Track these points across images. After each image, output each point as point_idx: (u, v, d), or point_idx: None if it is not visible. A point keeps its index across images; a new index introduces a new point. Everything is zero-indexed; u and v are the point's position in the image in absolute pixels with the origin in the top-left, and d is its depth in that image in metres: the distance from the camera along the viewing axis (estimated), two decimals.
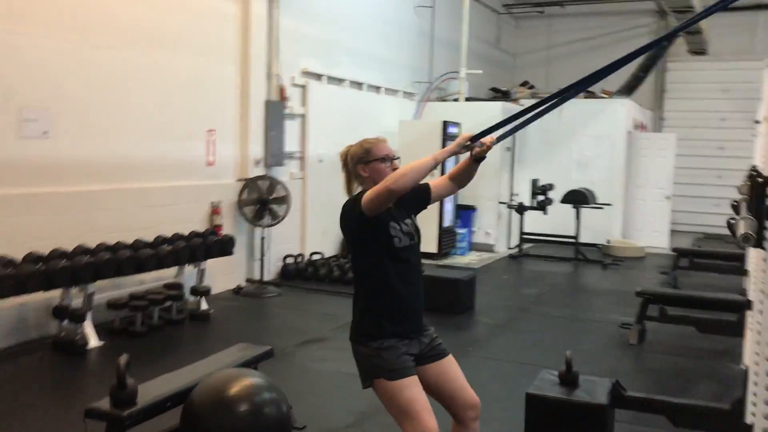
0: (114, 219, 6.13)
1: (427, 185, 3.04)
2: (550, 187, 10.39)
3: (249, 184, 7.52)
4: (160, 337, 5.79)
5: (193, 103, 7.02)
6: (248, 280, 7.79)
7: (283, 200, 7.52)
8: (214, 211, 7.21)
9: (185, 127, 6.95)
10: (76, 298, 5.52)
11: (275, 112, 7.98)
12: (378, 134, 10.37)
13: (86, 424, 3.07)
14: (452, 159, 3.12)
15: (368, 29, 10.09)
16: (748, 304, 5.37)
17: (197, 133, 7.12)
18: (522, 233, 10.68)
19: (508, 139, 11.02)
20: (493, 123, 2.84)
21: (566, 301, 7.98)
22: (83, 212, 5.90)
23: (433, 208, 9.91)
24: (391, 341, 2.75)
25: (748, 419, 3.45)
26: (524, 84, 13.66)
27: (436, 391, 2.86)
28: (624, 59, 2.70)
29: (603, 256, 10.60)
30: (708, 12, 2.59)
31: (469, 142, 2.72)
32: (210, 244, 6.63)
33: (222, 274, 7.33)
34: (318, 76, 8.92)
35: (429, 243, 9.96)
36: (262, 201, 7.46)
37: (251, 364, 3.94)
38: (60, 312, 5.40)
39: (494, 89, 13.34)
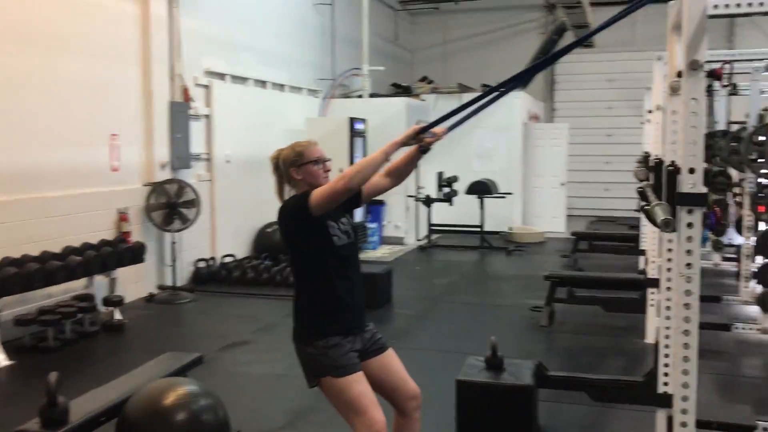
0: (17, 231, 5.83)
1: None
2: (454, 179, 10.68)
3: (156, 188, 7.33)
4: (74, 352, 5.58)
5: (95, 107, 6.77)
6: (160, 287, 7.60)
7: (193, 203, 7.39)
8: (122, 217, 6.99)
9: (87, 133, 6.70)
10: None
11: (180, 113, 7.81)
12: (284, 132, 10.38)
13: None
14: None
15: (269, 27, 10.02)
16: (648, 283, 5.78)
17: (100, 138, 6.87)
18: (430, 225, 10.93)
19: None
20: (434, 118, 2.93)
21: (477, 288, 8.26)
22: None
23: None
24: (335, 339, 2.80)
25: (660, 389, 3.74)
26: (423, 79, 13.92)
27: (379, 385, 2.93)
28: (549, 59, 2.86)
29: (506, 243, 11.02)
30: (607, 23, 2.78)
31: (418, 134, 2.75)
32: (121, 252, 6.44)
33: (132, 283, 7.11)
34: (221, 76, 8.79)
35: None
36: (170, 205, 7.30)
37: (181, 372, 3.89)
38: None
39: (395, 85, 13.55)
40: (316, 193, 2.69)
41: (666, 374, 3.74)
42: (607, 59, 15.04)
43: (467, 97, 12.33)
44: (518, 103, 12.21)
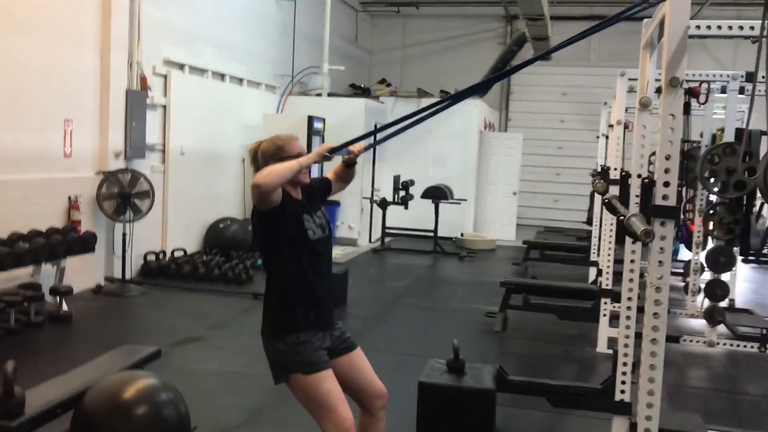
0: None
1: (328, 179, 3.12)
2: (411, 183, 10.73)
3: (109, 177, 7.13)
4: (18, 342, 5.38)
5: (49, 90, 6.55)
6: (107, 279, 7.40)
7: (146, 194, 7.22)
8: (73, 205, 6.78)
9: (40, 117, 6.48)
10: None
11: (136, 102, 7.62)
12: (241, 127, 10.26)
13: None
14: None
15: (231, 19, 9.88)
16: (602, 293, 5.91)
17: (53, 123, 6.65)
18: (384, 227, 10.94)
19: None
20: (357, 130, 2.97)
21: (431, 292, 8.31)
22: None
23: None
24: (306, 335, 2.78)
25: (617, 397, 3.82)
26: (382, 81, 13.95)
27: (346, 383, 2.91)
28: (503, 73, 2.89)
29: (458, 249, 11.12)
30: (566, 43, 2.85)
31: (328, 153, 2.82)
32: (71, 241, 6.24)
33: (78, 273, 6.89)
34: (180, 66, 8.62)
35: None
36: (123, 195, 7.11)
37: (139, 365, 3.79)
38: None
39: (353, 86, 13.51)
40: (252, 192, 2.70)
41: (623, 382, 3.83)
42: (563, 73, 15.34)
43: (426, 101, 12.50)
44: (475, 111, 12.34)
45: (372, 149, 11.50)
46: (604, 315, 5.88)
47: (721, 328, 5.74)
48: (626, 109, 5.74)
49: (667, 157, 2.68)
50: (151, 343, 5.27)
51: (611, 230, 5.92)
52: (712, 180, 5.11)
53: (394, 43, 16.21)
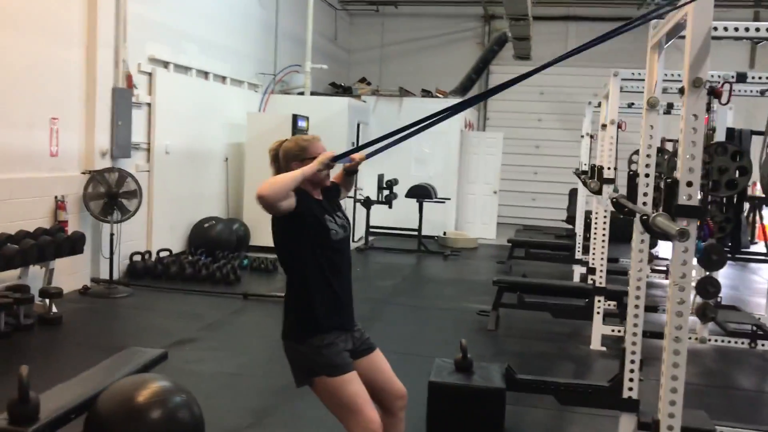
0: None
1: (337, 183, 3.12)
2: (395, 182, 10.73)
3: (96, 176, 7.01)
4: (9, 345, 5.27)
5: (35, 88, 6.41)
6: (93, 280, 7.27)
7: (134, 194, 7.12)
8: (59, 206, 6.65)
9: (26, 115, 6.34)
10: None
11: (123, 100, 7.50)
12: (224, 126, 10.16)
13: None
14: None
15: (214, 17, 9.78)
16: (595, 291, 5.97)
17: (39, 121, 6.51)
18: (368, 227, 10.93)
19: (353, 134, 11.23)
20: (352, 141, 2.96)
21: (420, 291, 8.32)
22: None
23: None
24: (330, 337, 2.76)
25: (625, 394, 3.87)
26: (363, 80, 13.92)
27: (366, 384, 2.90)
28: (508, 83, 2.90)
29: (441, 248, 11.15)
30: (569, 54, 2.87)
31: (331, 161, 2.83)
32: (60, 242, 6.12)
33: (64, 274, 6.76)
34: (165, 64, 8.50)
35: None
36: (110, 195, 7.00)
37: (146, 369, 3.73)
38: None
39: (333, 84, 13.47)
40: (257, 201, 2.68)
41: (631, 380, 3.88)
42: (540, 73, 15.43)
43: (408, 101, 12.47)
44: None
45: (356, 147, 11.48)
46: (598, 313, 5.95)
47: (710, 324, 5.84)
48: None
49: (691, 157, 2.72)
50: (146, 344, 5.22)
51: (604, 229, 5.98)
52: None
53: (373, 42, 16.19)
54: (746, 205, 6.73)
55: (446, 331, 6.34)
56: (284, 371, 4.99)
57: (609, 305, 6.22)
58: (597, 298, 5.92)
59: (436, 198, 10.93)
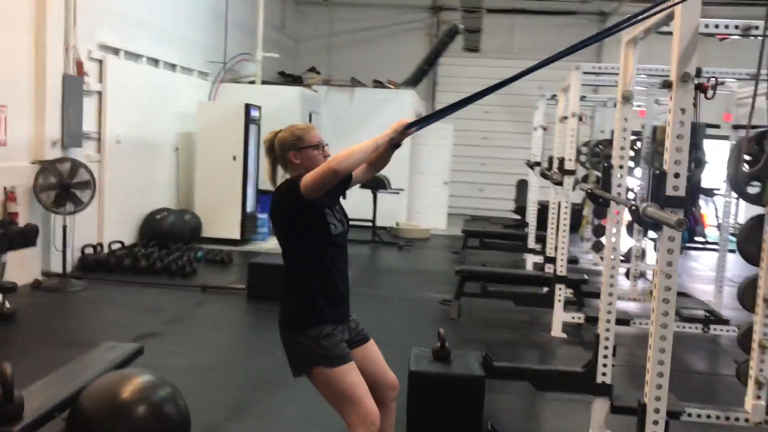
0: None
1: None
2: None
3: (47, 167, 6.77)
4: None
5: None
6: (45, 274, 7.03)
7: (87, 185, 6.91)
8: (9, 197, 6.40)
9: None
10: None
11: (73, 88, 7.25)
12: (175, 115, 9.95)
13: None
14: None
15: (163, 3, 9.54)
16: (557, 279, 6.12)
17: None
18: None
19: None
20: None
21: (379, 282, 8.35)
22: None
23: (236, 194, 9.75)
24: (328, 328, 2.76)
25: (599, 379, 3.99)
26: (312, 70, 13.82)
27: (361, 374, 2.91)
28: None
29: (395, 238, 11.21)
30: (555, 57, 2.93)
31: (405, 129, 2.74)
32: (13, 234, 5.90)
33: (14, 268, 6.49)
34: (115, 51, 8.26)
35: (232, 228, 9.77)
36: (63, 186, 6.77)
37: (124, 364, 3.65)
38: None
39: (283, 74, 13.33)
40: (307, 178, 2.63)
41: (605, 365, 4.00)
42: (487, 65, 15.63)
43: (359, 91, 12.43)
44: (408, 101, 12.43)
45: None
46: (559, 301, 6.10)
47: None
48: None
49: (678, 149, 2.82)
50: (110, 339, 5.09)
51: (565, 219, 6.12)
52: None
53: (321, 32, 16.07)
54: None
55: (410, 320, 6.40)
56: (256, 363, 5.00)
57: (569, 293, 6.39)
58: (558, 286, 6.07)
59: (390, 189, 10.97)
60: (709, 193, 7.03)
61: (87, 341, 5.26)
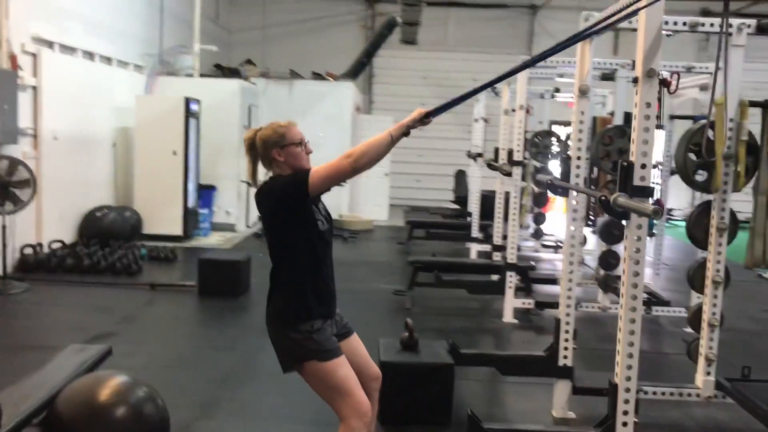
0: None
1: None
2: None
3: None
4: None
5: None
6: None
7: (27, 183, 6.68)
8: None
9: None
10: None
11: (8, 82, 6.96)
12: (112, 110, 9.68)
13: None
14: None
15: None
16: (507, 267, 6.30)
17: None
18: None
19: (245, 117, 11.03)
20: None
21: None
22: None
23: (177, 189, 9.58)
24: (318, 323, 2.80)
25: (560, 362, 4.16)
26: (248, 62, 13.63)
27: None
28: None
29: (339, 230, 11.23)
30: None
31: (424, 117, 2.68)
32: None
33: None
34: (50, 44, 7.96)
35: (173, 224, 9.60)
36: (2, 184, 6.52)
37: (95, 366, 3.59)
38: None
39: (218, 66, 13.10)
40: (319, 172, 2.65)
41: (566, 348, 4.18)
42: (422, 57, 15.82)
43: (298, 83, 12.35)
44: (348, 93, 12.44)
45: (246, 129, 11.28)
46: (510, 288, 6.28)
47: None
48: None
49: (645, 141, 2.97)
50: (63, 342, 4.95)
51: (514, 208, 6.30)
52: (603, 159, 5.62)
53: (255, 23, 15.88)
54: None
55: (365, 312, 6.44)
56: (218, 361, 4.97)
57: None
58: (509, 274, 6.25)
59: None
60: None
61: (39, 345, 5.15)
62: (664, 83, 2.92)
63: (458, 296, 6.81)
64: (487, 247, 9.08)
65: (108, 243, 8.37)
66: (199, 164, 10.11)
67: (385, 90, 16.20)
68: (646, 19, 2.89)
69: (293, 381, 3.79)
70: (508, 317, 6.28)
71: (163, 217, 9.57)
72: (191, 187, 9.87)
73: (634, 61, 6.04)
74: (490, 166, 7.34)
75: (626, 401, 3.09)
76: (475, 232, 9.35)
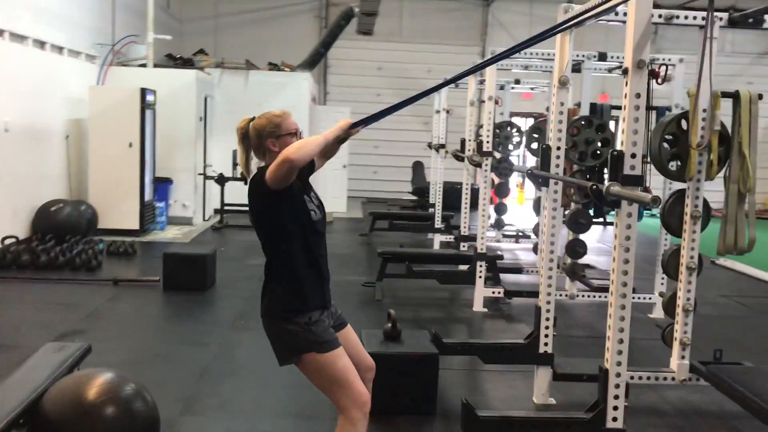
0: None
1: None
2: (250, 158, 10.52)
3: None
4: None
5: None
6: None
7: None
8: None
9: None
10: None
11: None
12: (65, 101, 9.42)
13: None
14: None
15: None
16: (478, 257, 6.36)
17: None
18: (223, 204, 10.65)
19: (201, 108, 10.83)
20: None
21: None
22: None
23: (133, 182, 9.36)
24: (316, 314, 2.78)
25: (541, 349, 4.22)
26: (201, 52, 13.38)
27: None
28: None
29: None
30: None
31: (349, 128, 2.88)
32: None
33: None
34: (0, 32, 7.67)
35: (130, 218, 9.38)
36: None
37: (76, 364, 3.49)
38: None
39: (171, 56, 12.82)
40: (270, 169, 2.65)
41: (546, 335, 4.25)
42: (377, 48, 15.79)
43: (254, 74, 12.18)
44: (305, 84, 12.33)
45: (203, 121, 11.09)
46: (480, 277, 6.35)
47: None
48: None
49: (634, 132, 3.04)
50: (30, 340, 4.87)
51: (485, 199, 6.35)
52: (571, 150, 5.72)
53: (206, 13, 15.59)
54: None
55: (336, 303, 6.42)
56: (193, 356, 4.89)
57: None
58: (479, 264, 6.31)
59: None
60: None
61: (6, 344, 4.98)
62: (653, 74, 2.98)
63: (427, 286, 6.85)
64: (450, 238, 9.18)
65: (64, 238, 8.12)
66: (156, 157, 9.89)
67: (340, 81, 16.12)
68: (636, 10, 2.95)
69: (272, 375, 3.80)
70: (478, 306, 6.34)
71: (119, 211, 9.34)
72: (148, 179, 9.65)
73: (599, 53, 6.17)
74: (456, 157, 7.39)
75: (617, 386, 3.15)
76: (438, 223, 9.40)
